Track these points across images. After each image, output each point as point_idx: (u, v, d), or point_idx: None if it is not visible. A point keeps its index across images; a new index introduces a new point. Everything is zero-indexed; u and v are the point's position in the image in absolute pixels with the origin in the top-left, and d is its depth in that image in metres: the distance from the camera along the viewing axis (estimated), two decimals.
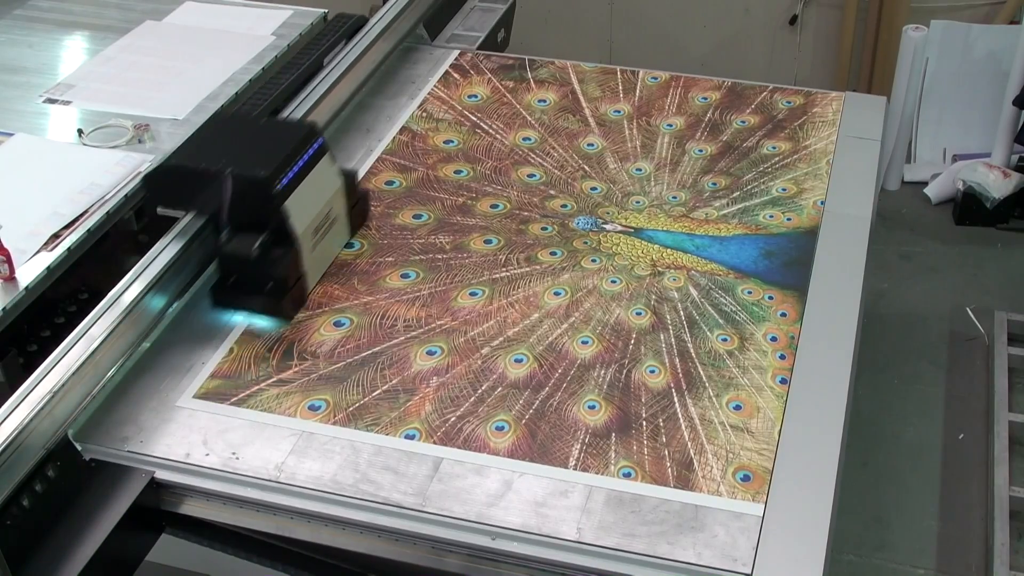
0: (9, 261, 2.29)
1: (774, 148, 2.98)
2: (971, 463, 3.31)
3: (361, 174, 2.87)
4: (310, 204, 2.43)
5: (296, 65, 3.12)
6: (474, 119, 3.11)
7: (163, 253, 2.35)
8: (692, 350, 2.33)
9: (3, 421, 1.93)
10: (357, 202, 2.65)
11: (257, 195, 2.34)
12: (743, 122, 3.09)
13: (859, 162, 2.91)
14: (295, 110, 2.87)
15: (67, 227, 2.45)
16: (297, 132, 2.50)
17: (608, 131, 3.06)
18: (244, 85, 3.02)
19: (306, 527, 2.03)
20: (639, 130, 3.06)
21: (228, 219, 2.38)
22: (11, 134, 2.80)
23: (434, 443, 2.11)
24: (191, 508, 2.07)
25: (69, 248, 2.40)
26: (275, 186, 2.33)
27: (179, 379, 2.25)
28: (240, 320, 2.40)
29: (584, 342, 2.35)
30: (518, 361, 2.30)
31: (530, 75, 3.30)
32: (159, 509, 2.08)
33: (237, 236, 2.37)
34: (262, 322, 2.40)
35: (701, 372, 2.27)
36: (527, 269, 2.57)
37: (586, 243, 2.65)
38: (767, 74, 4.78)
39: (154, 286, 2.29)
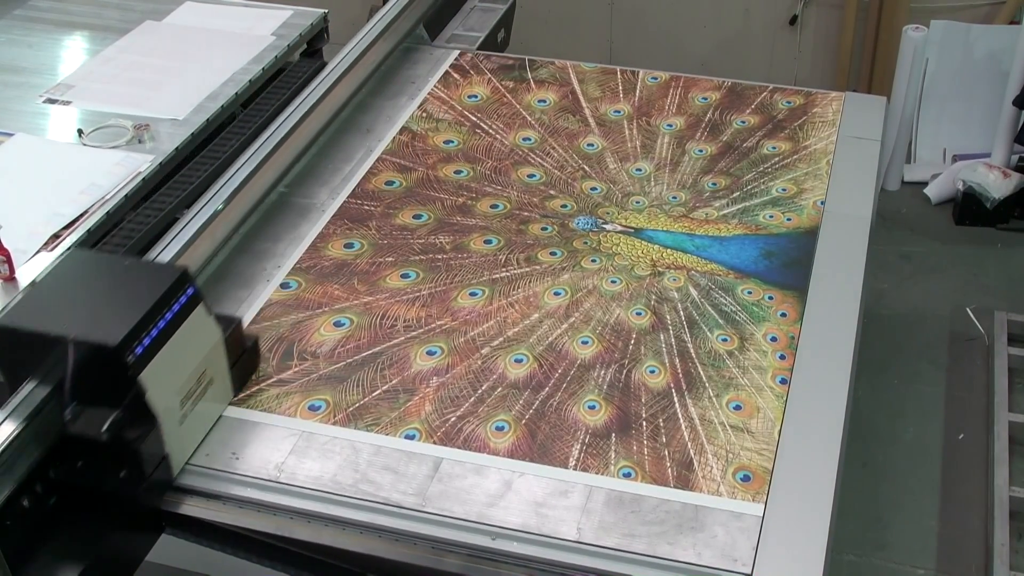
0: (9, 261, 2.29)
1: (774, 148, 2.98)
2: (971, 463, 3.31)
3: (361, 174, 2.87)
4: (177, 370, 2.00)
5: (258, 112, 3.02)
6: (474, 119, 3.10)
7: None
8: (692, 350, 2.33)
9: (3, 421, 1.93)
10: (243, 354, 2.22)
11: (105, 367, 1.88)
12: (743, 122, 3.08)
13: (859, 162, 2.90)
14: (294, 112, 2.87)
15: (67, 227, 2.45)
16: (163, 281, 2.01)
17: (608, 131, 3.06)
18: (244, 85, 3.02)
19: (306, 527, 2.03)
20: (639, 130, 3.06)
21: (71, 393, 1.90)
22: (11, 134, 2.80)
23: (434, 443, 2.11)
24: (191, 508, 2.07)
25: (69, 248, 2.40)
26: (128, 355, 1.88)
27: None
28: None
29: (584, 342, 2.35)
30: (518, 361, 2.30)
31: (530, 75, 3.30)
32: (159, 509, 2.07)
33: (85, 412, 1.91)
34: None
35: (701, 372, 2.27)
36: (527, 269, 2.57)
37: (586, 243, 2.65)
38: (767, 74, 4.78)
39: None
